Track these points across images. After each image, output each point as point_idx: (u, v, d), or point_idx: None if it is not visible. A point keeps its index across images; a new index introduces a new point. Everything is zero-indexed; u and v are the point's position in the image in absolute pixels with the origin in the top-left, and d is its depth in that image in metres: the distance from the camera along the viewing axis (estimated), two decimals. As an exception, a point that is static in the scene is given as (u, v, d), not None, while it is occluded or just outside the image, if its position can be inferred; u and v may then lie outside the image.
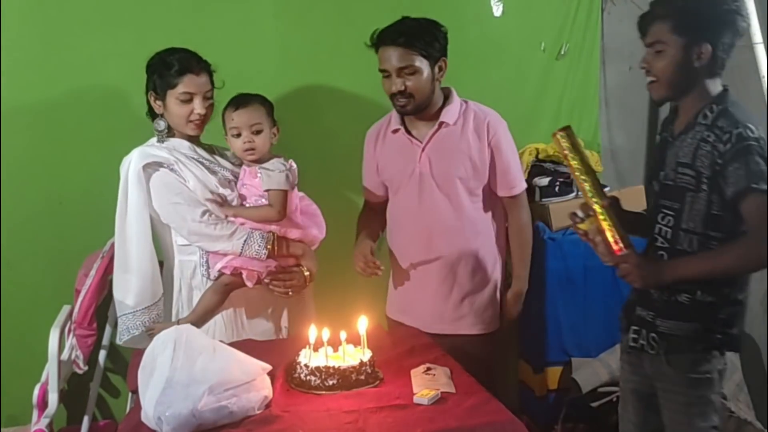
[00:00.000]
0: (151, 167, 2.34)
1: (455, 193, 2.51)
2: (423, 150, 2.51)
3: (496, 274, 2.63)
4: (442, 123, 2.49)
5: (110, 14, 2.84)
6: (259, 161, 2.39)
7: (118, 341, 2.47)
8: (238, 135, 2.35)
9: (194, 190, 2.36)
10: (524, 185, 2.65)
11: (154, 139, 2.43)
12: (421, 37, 2.40)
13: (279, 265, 2.39)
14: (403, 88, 2.41)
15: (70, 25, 2.82)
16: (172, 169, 2.35)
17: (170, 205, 2.34)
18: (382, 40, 2.43)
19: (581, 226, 2.06)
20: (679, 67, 2.00)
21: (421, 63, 2.40)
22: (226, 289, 2.38)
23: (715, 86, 2.04)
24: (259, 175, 2.36)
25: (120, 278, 2.40)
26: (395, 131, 2.57)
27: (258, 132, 2.35)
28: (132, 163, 2.34)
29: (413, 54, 2.39)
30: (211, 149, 2.52)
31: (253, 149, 2.36)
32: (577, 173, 2.04)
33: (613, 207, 2.06)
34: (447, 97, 2.54)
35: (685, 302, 2.03)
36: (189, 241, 2.37)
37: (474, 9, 3.23)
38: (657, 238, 2.09)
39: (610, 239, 1.99)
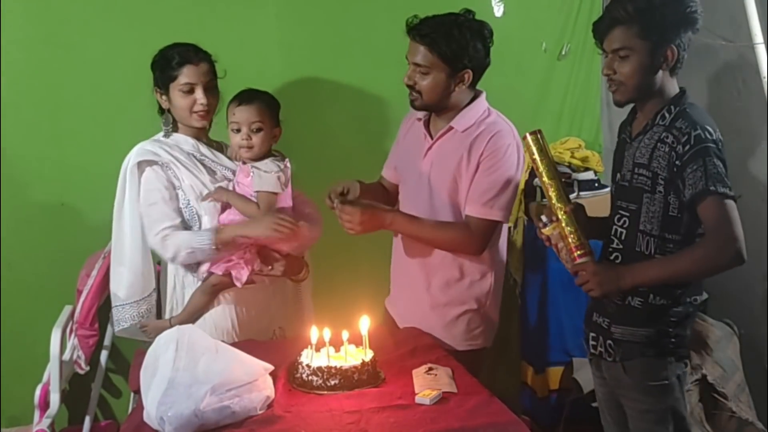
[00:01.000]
0: (145, 164, 2.36)
1: (441, 202, 2.40)
2: (429, 149, 2.43)
3: (476, 292, 2.44)
4: (450, 128, 2.39)
5: (114, 15, 2.84)
6: (254, 159, 2.38)
7: (115, 332, 2.50)
8: (238, 131, 2.35)
9: (187, 191, 2.36)
10: (498, 215, 2.33)
11: (160, 134, 2.44)
12: (448, 43, 2.26)
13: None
14: (412, 83, 2.34)
15: (73, 26, 2.82)
16: (167, 168, 2.36)
17: (145, 207, 2.36)
18: (411, 30, 2.32)
19: (545, 231, 2.06)
20: (646, 71, 1.98)
21: (438, 68, 2.28)
22: (215, 290, 2.38)
23: (673, 86, 2.03)
24: (251, 174, 2.35)
25: (115, 270, 2.44)
26: (419, 119, 2.50)
27: (257, 130, 2.34)
28: (130, 159, 2.37)
29: (433, 56, 2.27)
30: (219, 147, 2.51)
31: (250, 147, 2.35)
32: (544, 178, 2.03)
33: (578, 213, 2.05)
34: (473, 100, 2.40)
35: (638, 306, 2.03)
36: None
37: (475, 9, 3.22)
38: (612, 240, 2.09)
39: (571, 245, 2.01)
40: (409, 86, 2.36)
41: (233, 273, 2.35)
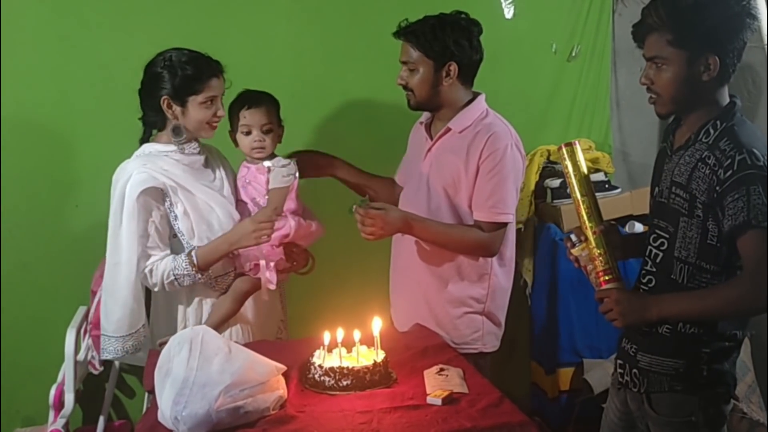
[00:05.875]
0: (145, 192, 2.24)
1: (438, 202, 2.40)
2: (429, 150, 2.45)
3: (475, 293, 2.43)
4: (448, 128, 2.41)
5: (124, 17, 2.86)
6: (264, 159, 2.40)
7: (102, 356, 2.40)
8: (248, 133, 2.37)
9: (181, 218, 2.28)
10: (506, 218, 2.35)
11: (157, 146, 2.33)
12: (427, 36, 2.31)
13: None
14: (404, 83, 2.38)
15: (85, 29, 2.83)
16: (165, 193, 2.27)
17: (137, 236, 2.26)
18: (398, 31, 2.38)
19: (573, 251, 1.95)
20: (685, 83, 1.79)
21: (422, 62, 2.33)
22: (246, 296, 2.38)
23: (722, 96, 1.83)
24: (267, 171, 2.36)
25: (104, 300, 2.34)
26: (422, 123, 2.53)
27: (268, 132, 2.37)
28: (131, 186, 2.24)
29: (415, 51, 2.33)
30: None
31: (262, 148, 2.38)
32: (575, 194, 1.92)
33: (610, 234, 1.92)
34: (470, 101, 2.42)
35: (666, 334, 1.87)
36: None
37: (485, 11, 3.23)
38: (647, 261, 1.93)
39: (599, 269, 1.89)
40: (402, 86, 2.40)
41: (266, 275, 2.34)
